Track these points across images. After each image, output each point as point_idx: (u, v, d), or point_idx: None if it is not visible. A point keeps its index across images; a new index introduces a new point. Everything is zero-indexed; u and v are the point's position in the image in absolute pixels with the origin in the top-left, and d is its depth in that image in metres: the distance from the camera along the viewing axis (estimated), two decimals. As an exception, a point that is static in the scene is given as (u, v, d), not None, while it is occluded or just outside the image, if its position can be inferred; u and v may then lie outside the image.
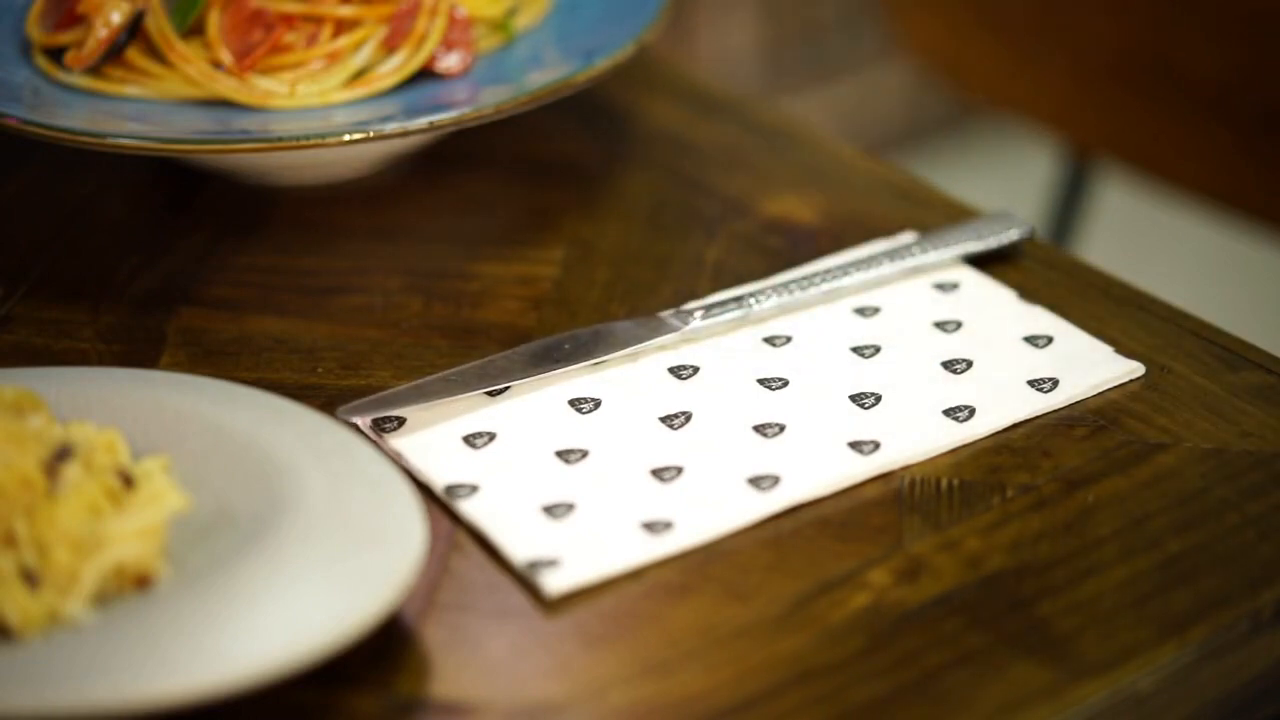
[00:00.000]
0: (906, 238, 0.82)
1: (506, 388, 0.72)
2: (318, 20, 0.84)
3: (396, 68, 0.84)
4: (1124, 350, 0.74)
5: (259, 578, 0.59)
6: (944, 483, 0.67)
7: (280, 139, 0.78)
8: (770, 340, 0.74)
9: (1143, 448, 0.69)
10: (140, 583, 0.59)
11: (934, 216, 0.84)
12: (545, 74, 0.84)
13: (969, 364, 0.73)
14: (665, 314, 0.76)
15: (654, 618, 0.61)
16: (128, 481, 0.61)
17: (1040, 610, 0.61)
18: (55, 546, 0.58)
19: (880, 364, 0.73)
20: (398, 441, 0.69)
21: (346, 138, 0.78)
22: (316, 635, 0.56)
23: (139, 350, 0.76)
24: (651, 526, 0.64)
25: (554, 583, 0.62)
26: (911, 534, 0.64)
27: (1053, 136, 1.45)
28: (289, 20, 0.83)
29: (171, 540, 0.61)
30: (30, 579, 0.58)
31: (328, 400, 0.71)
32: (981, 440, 0.69)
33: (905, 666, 0.59)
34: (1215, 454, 0.68)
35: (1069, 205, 1.52)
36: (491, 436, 0.69)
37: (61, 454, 0.60)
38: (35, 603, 0.57)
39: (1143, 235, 2.08)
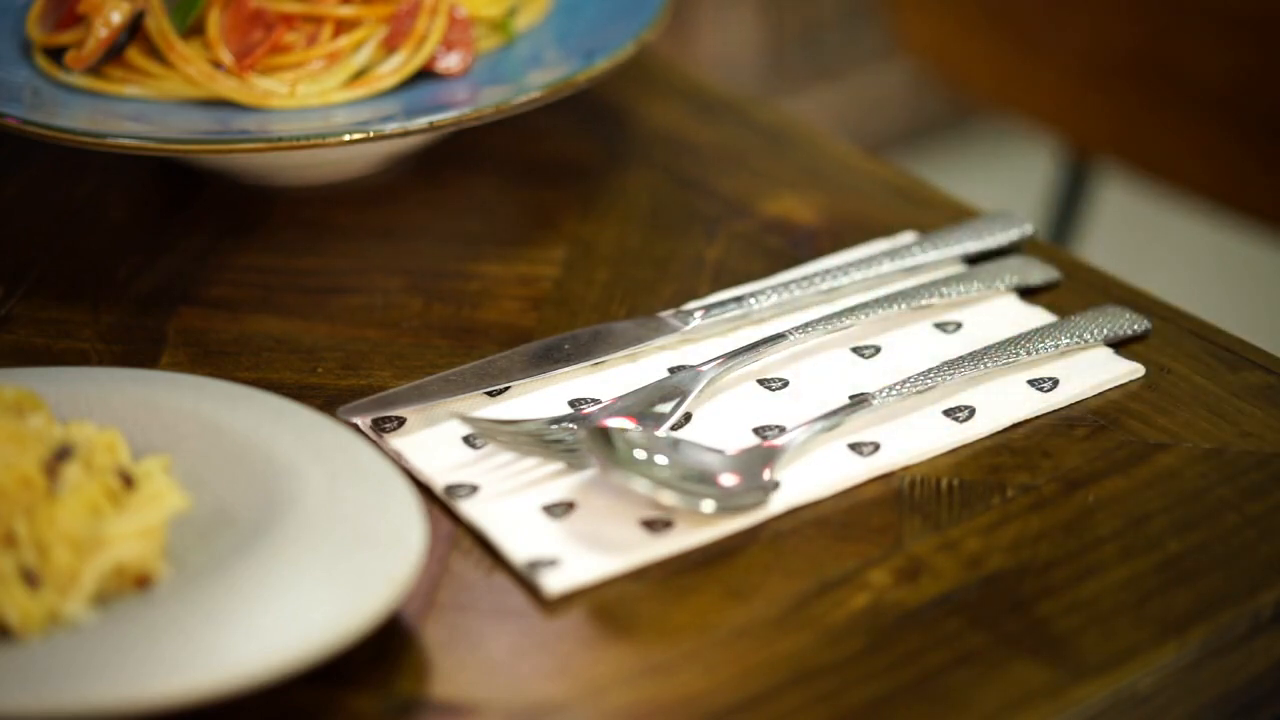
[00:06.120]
0: (906, 238, 0.82)
1: (506, 388, 0.72)
2: (318, 20, 0.84)
3: (396, 68, 0.84)
4: (1124, 350, 0.74)
5: (259, 578, 0.59)
6: (944, 483, 0.67)
7: (280, 139, 0.78)
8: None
9: (1143, 448, 0.69)
10: (140, 583, 0.59)
11: (934, 216, 0.84)
12: (545, 74, 0.84)
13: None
14: (665, 314, 0.76)
15: (654, 618, 0.61)
16: (128, 481, 0.61)
17: (1040, 610, 0.61)
18: (55, 546, 0.58)
19: (880, 364, 0.73)
20: (398, 441, 0.69)
21: (346, 138, 0.78)
22: (316, 635, 0.56)
23: (139, 350, 0.76)
24: (651, 526, 0.64)
25: (554, 582, 0.62)
26: (911, 534, 0.64)
27: (1053, 136, 1.45)
28: (289, 20, 0.83)
29: (171, 540, 0.61)
30: (30, 579, 0.58)
31: (328, 400, 0.71)
32: (981, 440, 0.69)
33: (905, 666, 0.59)
34: (1215, 454, 0.68)
35: (1069, 205, 1.52)
36: (491, 436, 0.69)
37: (61, 454, 0.60)
38: (35, 603, 0.57)
39: (1143, 235, 2.08)
